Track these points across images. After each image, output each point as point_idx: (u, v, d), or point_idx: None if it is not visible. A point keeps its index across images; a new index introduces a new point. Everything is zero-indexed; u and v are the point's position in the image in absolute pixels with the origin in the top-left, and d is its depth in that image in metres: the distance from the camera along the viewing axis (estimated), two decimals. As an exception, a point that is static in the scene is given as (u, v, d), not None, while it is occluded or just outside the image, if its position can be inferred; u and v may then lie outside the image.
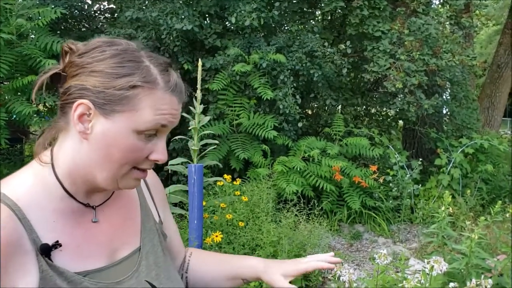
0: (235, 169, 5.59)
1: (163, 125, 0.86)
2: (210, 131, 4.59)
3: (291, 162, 5.46)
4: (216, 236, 3.64)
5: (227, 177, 4.47)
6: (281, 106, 5.51)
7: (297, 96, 5.76)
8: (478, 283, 2.08)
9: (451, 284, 2.12)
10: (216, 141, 4.46)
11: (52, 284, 0.81)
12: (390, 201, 6.20)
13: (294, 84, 5.83)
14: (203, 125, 4.67)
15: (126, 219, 1.00)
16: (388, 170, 6.35)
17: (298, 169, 5.40)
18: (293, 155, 5.76)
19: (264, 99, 5.41)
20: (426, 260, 2.18)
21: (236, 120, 5.72)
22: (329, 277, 4.09)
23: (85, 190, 0.91)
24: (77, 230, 0.89)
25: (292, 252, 4.06)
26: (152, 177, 1.13)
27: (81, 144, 0.86)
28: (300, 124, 5.91)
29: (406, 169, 6.43)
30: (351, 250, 5.61)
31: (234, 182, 4.52)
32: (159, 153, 0.88)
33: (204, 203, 4.11)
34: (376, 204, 6.09)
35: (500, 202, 3.84)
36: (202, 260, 1.21)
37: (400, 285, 2.11)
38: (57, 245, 0.83)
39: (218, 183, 4.35)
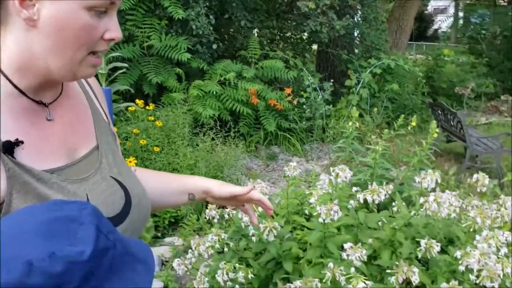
0: (148, 95, 5.42)
1: (112, 1, 0.81)
2: (118, 53, 4.35)
3: (207, 86, 5.39)
4: (130, 161, 3.57)
5: (139, 102, 4.33)
6: (194, 27, 5.32)
7: (211, 17, 5.57)
8: (380, 188, 2.22)
9: (354, 188, 2.25)
10: (126, 64, 4.25)
11: (22, 182, 0.77)
12: (304, 122, 6.41)
13: (207, 3, 5.61)
14: (110, 48, 4.40)
15: (79, 118, 0.95)
16: (302, 93, 6.50)
17: (214, 93, 5.35)
18: (209, 79, 5.67)
19: (176, 19, 5.17)
20: (331, 168, 2.29)
21: (146, 42, 5.45)
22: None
23: (36, 85, 0.84)
24: (32, 129, 0.83)
25: (209, 174, 4.11)
26: (94, 83, 1.07)
27: (28, 33, 0.79)
28: (215, 46, 5.78)
29: (319, 91, 6.62)
30: (267, 170, 5.80)
31: (147, 107, 4.40)
32: (113, 30, 0.83)
33: (115, 129, 3.98)
34: (291, 126, 6.27)
35: (403, 116, 4.10)
36: (147, 175, 1.17)
37: (307, 192, 2.20)
38: (18, 142, 0.79)
39: (130, 108, 4.20)
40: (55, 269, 0.57)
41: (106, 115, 1.06)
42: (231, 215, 2.27)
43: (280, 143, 6.33)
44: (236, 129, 5.53)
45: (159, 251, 3.37)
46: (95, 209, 0.67)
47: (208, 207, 2.38)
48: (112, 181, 0.93)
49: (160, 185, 1.17)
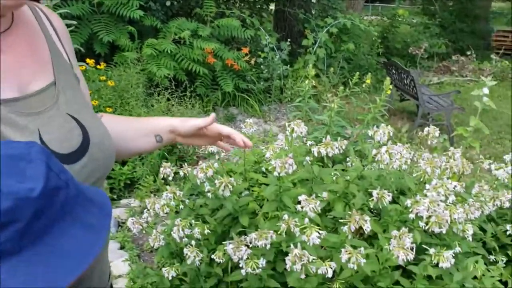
0: (100, 54, 5.21)
1: None
2: (66, 10, 4.13)
3: (161, 45, 5.22)
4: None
5: (90, 61, 4.15)
6: (145, -17, 5.11)
7: (164, -27, 5.36)
8: (338, 145, 2.24)
9: (309, 142, 2.25)
10: (74, 22, 4.04)
11: None
12: (262, 83, 6.37)
13: (160, -41, 5.38)
14: (56, 5, 4.17)
15: (33, 50, 0.90)
16: (259, 53, 6.42)
17: (169, 52, 5.20)
18: (163, 38, 5.50)
19: (127, -25, 4.94)
20: (287, 124, 2.29)
21: (96, -1, 5.20)
22: (200, 152, 4.20)
23: None
24: None
25: (165, 135, 4.04)
26: (60, 26, 1.01)
27: None
28: (168, 4, 5.58)
29: (276, 50, 6.56)
30: (225, 131, 5.76)
31: (98, 67, 4.23)
32: None
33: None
34: (249, 86, 6.21)
35: (358, 73, 4.13)
36: (113, 120, 1.11)
37: (263, 147, 2.20)
38: None
39: (80, 68, 4.03)
40: (3, 205, 0.54)
41: (69, 58, 1.00)
42: (186, 172, 2.24)
43: (238, 104, 6.28)
44: (192, 90, 5.43)
45: (115, 213, 3.32)
46: (43, 148, 0.63)
47: (162, 164, 2.35)
48: (69, 118, 0.88)
49: (126, 128, 1.11)
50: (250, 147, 1.18)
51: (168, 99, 4.35)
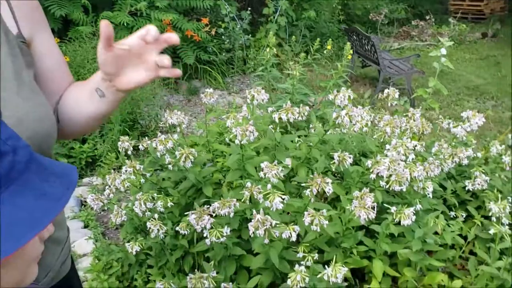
0: (53, 30, 4.98)
1: None
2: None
3: (117, 17, 5.03)
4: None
5: (42, 36, 3.96)
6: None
7: None
8: (299, 110, 2.21)
9: (269, 109, 2.22)
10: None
11: None
12: (224, 54, 6.26)
13: None
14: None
15: None
16: (220, 23, 6.29)
17: (126, 24, 5.02)
18: (118, 10, 5.29)
19: None
20: (247, 91, 2.25)
21: (45, -29, 4.94)
22: (160, 124, 4.12)
23: None
24: None
25: (125, 110, 3.94)
26: None
27: None
28: (122, -25, 5.36)
29: (237, 20, 6.44)
30: (189, 105, 5.67)
31: (51, 42, 4.04)
32: None
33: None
34: (211, 58, 6.10)
35: (318, 39, 4.10)
36: (74, 89, 1.00)
37: (224, 116, 2.16)
38: None
39: (31, 43, 3.85)
40: None
41: (18, 27, 0.91)
42: (146, 146, 2.18)
43: (200, 76, 6.17)
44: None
45: (78, 192, 3.24)
46: None
47: (120, 139, 2.28)
48: None
49: (78, 94, 1.02)
50: (174, 41, 0.87)
51: (127, 73, 4.21)
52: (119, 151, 3.34)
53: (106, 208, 2.36)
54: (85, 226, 2.89)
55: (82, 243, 2.63)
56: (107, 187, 2.16)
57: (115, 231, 2.91)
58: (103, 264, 2.27)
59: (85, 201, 3.08)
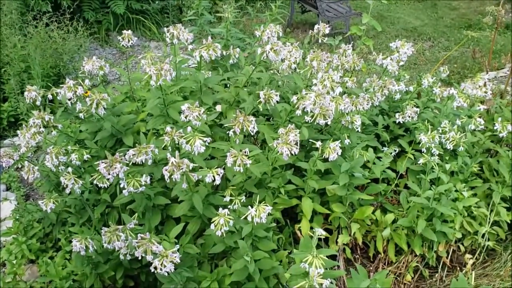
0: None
1: None
2: None
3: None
4: None
5: None
6: None
7: None
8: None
9: (190, 46, 2.07)
10: None
11: None
12: (157, 2, 5.92)
13: None
14: None
15: None
16: (151, -31, 5.92)
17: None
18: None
19: None
20: (166, 29, 2.07)
21: None
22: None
23: None
24: None
25: (47, 64, 3.64)
26: None
27: None
28: None
29: (170, -34, 6.08)
30: (122, 58, 5.37)
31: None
32: None
33: None
34: (143, 7, 5.75)
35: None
36: None
37: (140, 57, 1.97)
38: None
39: None
40: None
41: None
42: (54, 94, 1.98)
43: (134, 28, 5.82)
44: (78, 16, 4.92)
45: (-2, 154, 2.98)
46: None
47: (27, 88, 2.06)
48: None
49: None
50: None
51: (47, 25, 3.87)
52: (45, 108, 3.09)
53: (20, 166, 2.18)
54: (7, 189, 2.68)
55: (2, 206, 2.44)
56: (21, 143, 1.97)
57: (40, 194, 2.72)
58: (22, 226, 2.10)
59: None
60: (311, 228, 1.70)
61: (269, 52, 1.87)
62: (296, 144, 1.51)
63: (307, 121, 1.67)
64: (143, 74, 2.87)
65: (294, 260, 1.65)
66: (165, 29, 2.05)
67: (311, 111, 1.64)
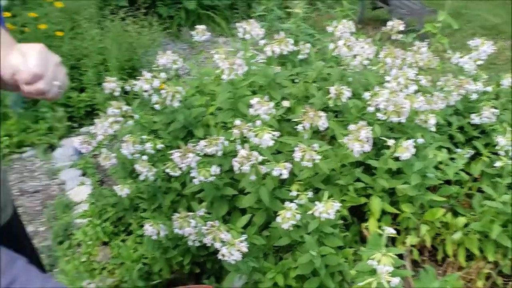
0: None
1: None
2: None
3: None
4: (29, 48, 3.19)
5: (33, -19, 3.81)
6: None
7: None
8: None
9: (261, 41, 2.09)
10: None
11: None
12: (227, -2, 6.03)
13: None
14: None
15: None
16: (223, -35, 6.03)
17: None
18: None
19: None
20: (237, 24, 2.11)
21: None
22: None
23: None
24: None
25: (123, 58, 3.81)
26: None
27: None
28: None
29: (241, -38, 6.16)
30: (192, 53, 5.51)
31: (44, -13, 3.89)
32: None
33: (8, 14, 3.53)
34: (214, 3, 5.88)
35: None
36: None
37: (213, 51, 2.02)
38: None
39: (22, -11, 3.70)
40: None
41: None
42: (132, 86, 2.07)
43: (204, 23, 5.96)
44: (153, 11, 5.11)
45: (76, 141, 3.17)
46: None
47: (106, 79, 2.17)
48: None
49: None
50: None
51: (123, 19, 4.05)
52: (116, 99, 3.25)
53: (99, 153, 2.30)
54: (83, 174, 2.84)
55: (78, 191, 2.60)
56: (98, 131, 2.08)
57: (114, 180, 2.86)
58: (97, 209, 2.22)
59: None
60: (379, 227, 1.67)
61: (342, 47, 1.85)
62: (368, 141, 1.49)
63: (379, 118, 1.64)
64: (212, 69, 2.94)
65: (360, 258, 1.64)
66: (237, 24, 2.08)
67: (384, 108, 1.61)
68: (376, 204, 1.67)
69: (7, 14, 3.55)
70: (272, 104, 1.69)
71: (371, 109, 1.66)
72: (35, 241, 2.31)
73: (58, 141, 3.17)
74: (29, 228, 2.39)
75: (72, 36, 3.74)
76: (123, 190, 1.89)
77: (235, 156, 1.89)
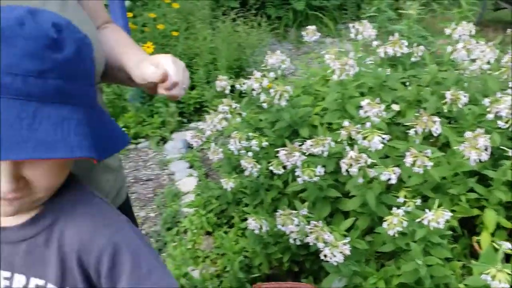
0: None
1: None
2: None
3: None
4: (148, 47, 3.44)
5: (154, -16, 4.09)
6: None
7: None
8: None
9: (374, 43, 2.04)
10: None
11: None
12: (336, -1, 5.97)
13: None
14: None
15: None
16: (333, -34, 5.98)
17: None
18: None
19: None
20: (351, 25, 2.08)
21: None
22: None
23: None
24: None
25: (232, 57, 3.94)
26: None
27: None
28: None
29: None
30: (298, 53, 5.54)
31: (163, -10, 4.16)
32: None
33: (130, 15, 3.82)
34: (322, 3, 5.86)
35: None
36: (112, 36, 0.97)
37: (324, 52, 2.02)
38: None
39: (145, -9, 3.99)
40: None
41: None
42: (242, 85, 2.14)
43: (311, 24, 5.96)
44: (263, 12, 5.22)
45: (185, 135, 3.35)
46: None
47: (218, 78, 2.27)
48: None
49: (116, 36, 0.97)
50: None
51: (234, 20, 4.20)
52: (225, 96, 3.39)
53: (206, 147, 2.41)
54: (191, 167, 2.99)
55: (186, 181, 2.74)
56: (206, 125, 2.18)
57: (218, 173, 2.97)
58: (203, 200, 2.33)
59: (192, 145, 3.19)
60: (492, 242, 1.55)
61: (460, 50, 1.75)
62: (486, 150, 1.40)
63: (500, 126, 1.53)
64: (319, 69, 2.94)
65: (469, 273, 1.54)
66: (350, 25, 2.06)
67: (505, 116, 1.50)
68: (491, 217, 1.56)
69: (129, 14, 3.84)
70: (383, 106, 1.65)
71: (490, 116, 1.55)
72: (146, 226, 2.48)
73: (169, 134, 3.36)
74: (141, 214, 2.58)
75: (186, 36, 3.95)
76: (228, 183, 1.96)
77: (340, 157, 1.88)
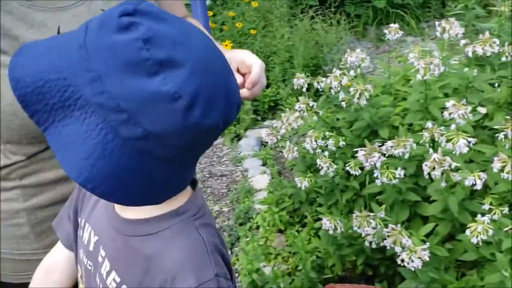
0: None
1: None
2: None
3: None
4: (226, 45, 3.51)
5: (235, -17, 4.16)
6: None
7: None
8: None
9: (462, 41, 1.94)
10: None
11: None
12: (419, -4, 5.74)
13: None
14: None
15: None
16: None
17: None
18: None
19: None
20: (436, 23, 1.99)
21: None
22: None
23: None
24: None
25: (308, 55, 3.92)
26: None
27: None
28: None
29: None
30: (377, 52, 5.40)
31: (243, -12, 4.22)
32: None
33: (210, 13, 3.91)
34: (404, 1, 5.66)
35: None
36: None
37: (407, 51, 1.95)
38: None
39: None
40: None
41: None
42: (320, 83, 2.12)
43: (392, 21, 5.77)
44: (342, 10, 5.15)
45: (259, 133, 3.38)
46: None
47: (296, 75, 2.26)
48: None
49: None
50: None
51: (312, 17, 4.17)
52: (300, 94, 3.38)
53: (280, 145, 2.41)
54: (264, 164, 3.01)
55: (259, 179, 2.77)
56: (281, 123, 2.19)
57: (291, 171, 2.97)
58: (276, 198, 2.34)
59: (266, 142, 3.21)
60: None
61: (560, 48, 1.62)
62: None
63: None
64: (400, 68, 2.84)
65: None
66: (436, 23, 1.98)
67: None
68: None
69: (209, 13, 3.94)
70: (469, 108, 1.56)
71: None
72: (219, 220, 2.54)
73: (243, 131, 3.41)
74: (215, 208, 2.64)
75: (264, 34, 3.98)
76: (302, 182, 1.95)
77: (420, 160, 1.81)
